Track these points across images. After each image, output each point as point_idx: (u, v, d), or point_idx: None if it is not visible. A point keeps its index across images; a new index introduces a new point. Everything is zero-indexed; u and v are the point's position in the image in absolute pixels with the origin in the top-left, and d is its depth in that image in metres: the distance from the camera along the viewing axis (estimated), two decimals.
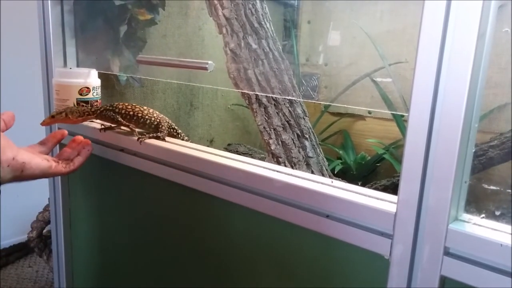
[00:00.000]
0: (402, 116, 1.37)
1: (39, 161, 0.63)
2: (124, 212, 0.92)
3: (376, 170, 1.46)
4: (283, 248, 0.66)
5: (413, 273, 0.53)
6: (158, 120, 0.85)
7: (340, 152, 1.52)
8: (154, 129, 0.85)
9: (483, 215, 0.51)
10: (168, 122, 0.86)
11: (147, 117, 0.84)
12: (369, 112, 1.57)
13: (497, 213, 0.51)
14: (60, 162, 0.68)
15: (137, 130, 0.85)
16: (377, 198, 0.57)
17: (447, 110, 0.48)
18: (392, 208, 0.54)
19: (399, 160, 1.36)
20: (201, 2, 1.31)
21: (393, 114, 1.39)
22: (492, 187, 0.54)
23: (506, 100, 1.16)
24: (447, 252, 0.50)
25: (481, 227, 0.50)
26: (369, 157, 1.49)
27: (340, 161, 1.47)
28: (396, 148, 1.42)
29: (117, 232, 0.96)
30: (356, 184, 0.62)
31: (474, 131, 0.50)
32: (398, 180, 1.10)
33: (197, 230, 0.79)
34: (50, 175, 0.66)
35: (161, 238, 0.86)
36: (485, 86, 0.50)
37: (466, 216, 0.51)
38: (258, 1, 1.01)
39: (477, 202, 0.52)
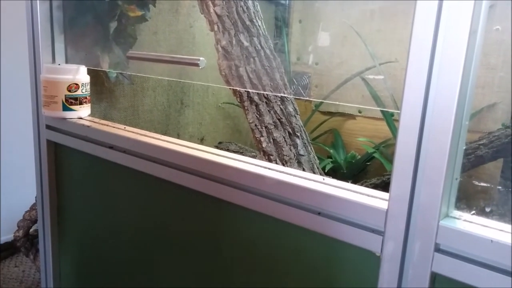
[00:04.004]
0: (392, 115, 1.38)
1: None
2: (113, 210, 0.91)
3: (366, 168, 1.46)
4: (273, 245, 0.66)
5: (404, 270, 0.53)
6: None
7: (331, 151, 1.53)
8: None
9: (474, 212, 0.52)
10: None
11: None
12: (360, 112, 1.58)
13: (488, 209, 0.51)
14: None
15: None
16: (369, 195, 0.57)
17: (438, 107, 0.48)
18: (384, 205, 0.54)
19: (389, 159, 1.37)
20: None
21: (383, 113, 1.40)
22: (482, 184, 0.55)
23: (494, 100, 1.18)
24: (438, 249, 0.50)
25: (471, 224, 0.50)
26: (359, 156, 1.50)
27: (331, 160, 1.48)
28: (386, 147, 1.43)
29: (105, 231, 0.95)
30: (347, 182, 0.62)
31: (465, 128, 0.51)
32: (388, 178, 1.11)
33: (187, 228, 0.78)
34: None
35: (150, 236, 0.85)
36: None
37: (456, 213, 0.52)
38: None
39: (467, 199, 0.52)
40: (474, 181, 0.54)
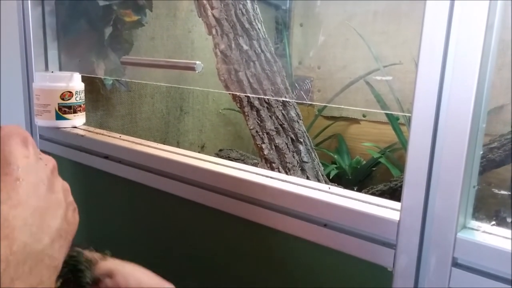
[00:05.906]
0: (398, 118, 1.34)
1: None
2: (109, 222, 0.88)
3: (372, 174, 1.42)
4: (278, 259, 0.62)
5: (419, 286, 0.49)
6: None
7: (335, 156, 1.49)
8: None
9: (494, 222, 0.48)
10: None
11: None
12: (364, 116, 1.54)
13: (509, 219, 0.47)
14: None
15: None
16: (379, 205, 0.53)
17: (453, 109, 0.45)
18: (395, 216, 0.50)
19: (395, 164, 1.33)
20: (190, 3, 1.27)
21: (388, 117, 1.36)
22: (502, 192, 0.51)
23: (502, 102, 1.14)
24: (455, 263, 0.46)
25: (491, 235, 0.46)
26: (364, 161, 1.46)
27: (335, 165, 1.44)
28: (392, 152, 1.39)
29: (102, 243, 0.91)
30: (352, 189, 0.58)
31: (482, 131, 0.47)
32: (396, 184, 1.06)
33: (187, 240, 0.75)
34: None
35: (149, 248, 0.81)
36: None
37: (475, 224, 0.48)
38: (249, 2, 0.98)
39: (486, 208, 0.48)
40: (494, 189, 0.50)
